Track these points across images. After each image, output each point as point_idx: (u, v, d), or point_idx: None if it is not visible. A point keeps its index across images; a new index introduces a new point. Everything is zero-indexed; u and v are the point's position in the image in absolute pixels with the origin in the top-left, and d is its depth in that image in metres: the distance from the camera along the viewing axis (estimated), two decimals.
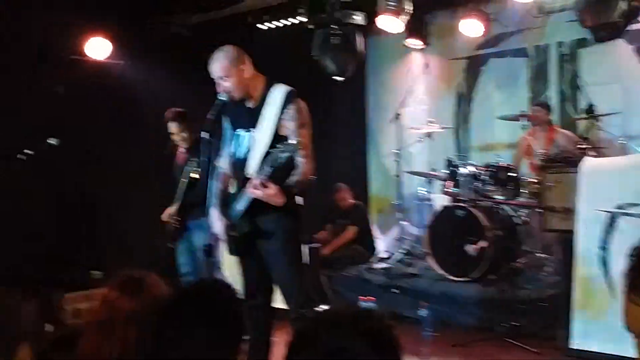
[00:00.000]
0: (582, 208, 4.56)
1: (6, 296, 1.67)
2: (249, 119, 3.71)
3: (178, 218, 5.17)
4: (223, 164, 3.89)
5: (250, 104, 3.73)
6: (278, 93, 3.66)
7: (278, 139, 3.48)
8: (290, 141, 3.34)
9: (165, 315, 1.66)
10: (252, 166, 3.64)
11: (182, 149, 5.26)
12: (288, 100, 3.63)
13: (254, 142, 3.66)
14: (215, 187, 3.73)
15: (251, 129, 3.70)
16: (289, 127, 3.59)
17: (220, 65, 3.62)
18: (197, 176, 5.02)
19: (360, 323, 1.32)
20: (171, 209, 5.18)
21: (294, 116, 3.61)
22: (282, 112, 3.61)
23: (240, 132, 3.77)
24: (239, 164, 3.77)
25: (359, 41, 6.54)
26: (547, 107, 6.44)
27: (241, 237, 3.73)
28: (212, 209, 3.72)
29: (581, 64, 6.69)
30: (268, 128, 3.62)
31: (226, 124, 3.87)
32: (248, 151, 3.70)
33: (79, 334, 1.94)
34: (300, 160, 3.59)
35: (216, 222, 3.69)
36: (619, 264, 4.32)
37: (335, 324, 1.32)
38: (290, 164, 3.57)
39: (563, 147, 5.86)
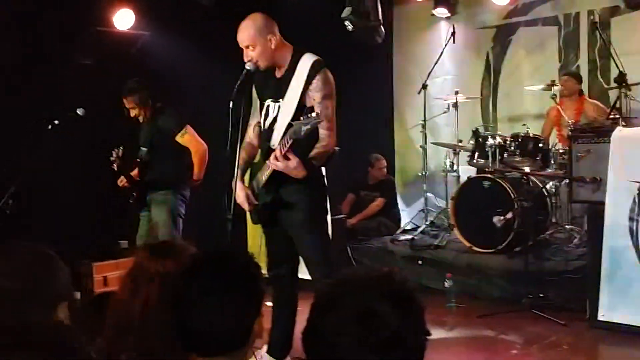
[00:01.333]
0: (612, 179, 4.49)
1: (47, 255, 1.74)
2: (277, 89, 3.69)
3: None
4: (250, 133, 3.89)
5: (278, 74, 3.71)
6: (305, 63, 3.62)
7: (303, 110, 3.45)
8: (312, 114, 3.30)
9: (185, 278, 1.67)
10: (276, 137, 3.63)
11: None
12: (315, 70, 3.59)
13: (280, 113, 3.65)
14: (239, 157, 3.73)
15: (279, 100, 3.68)
16: (315, 98, 3.55)
17: (247, 34, 3.59)
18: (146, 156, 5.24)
19: (383, 285, 1.32)
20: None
21: (320, 87, 3.56)
22: (308, 83, 3.58)
23: (269, 102, 3.75)
24: (265, 135, 3.77)
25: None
26: (576, 77, 6.32)
27: (263, 207, 3.74)
28: (235, 179, 3.73)
29: (612, 33, 6.53)
30: (294, 99, 3.59)
31: (254, 93, 3.86)
32: (274, 122, 3.69)
33: (106, 298, 2.00)
34: (323, 132, 3.57)
35: (239, 191, 3.69)
36: None
37: (359, 287, 1.32)
38: (313, 136, 3.54)
39: (592, 118, 5.76)
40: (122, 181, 5.31)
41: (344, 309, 1.28)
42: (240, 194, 3.68)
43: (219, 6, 6.60)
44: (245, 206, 3.72)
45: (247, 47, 3.60)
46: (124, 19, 6.32)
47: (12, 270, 1.70)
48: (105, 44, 6.24)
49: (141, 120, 5.30)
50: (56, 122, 5.04)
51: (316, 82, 3.57)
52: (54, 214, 5.85)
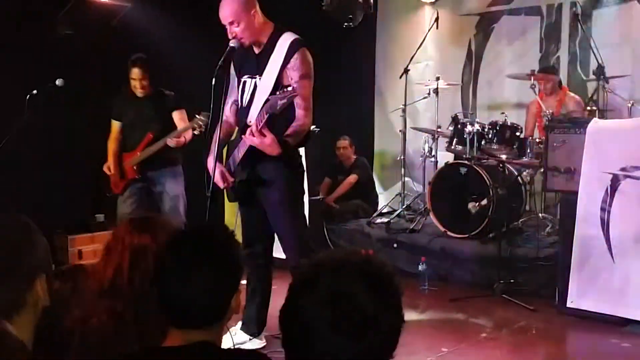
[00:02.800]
0: (585, 169, 4.56)
1: (26, 226, 1.70)
2: (255, 66, 3.68)
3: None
4: (227, 111, 3.88)
5: (256, 50, 3.69)
6: (285, 41, 3.61)
7: (281, 88, 3.45)
8: (289, 88, 3.30)
9: (165, 251, 1.68)
10: (253, 114, 3.62)
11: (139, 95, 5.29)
12: (294, 49, 3.58)
13: (257, 90, 3.64)
14: (216, 134, 3.72)
15: (256, 76, 3.68)
16: (292, 77, 3.54)
17: (230, 10, 3.56)
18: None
19: (361, 268, 1.32)
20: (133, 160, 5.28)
21: (297, 66, 3.56)
22: (286, 61, 3.57)
23: (246, 79, 3.74)
24: (242, 112, 3.77)
25: None
26: (552, 71, 6.36)
27: (239, 184, 3.74)
28: (210, 156, 3.73)
29: (593, 25, 6.59)
30: (272, 76, 3.58)
31: (232, 70, 3.85)
32: (252, 99, 3.68)
33: (82, 270, 2.00)
34: (299, 111, 3.57)
35: (216, 169, 3.69)
36: (619, 226, 4.37)
37: (337, 268, 1.32)
38: (290, 116, 3.54)
39: (572, 110, 5.82)
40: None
41: (320, 291, 1.28)
42: (217, 172, 3.68)
43: None
44: (221, 184, 3.72)
45: (231, 23, 3.57)
46: None
47: None
48: (86, 15, 6.16)
49: (140, 95, 5.27)
50: (34, 92, 4.99)
51: (294, 60, 3.56)
52: (30, 186, 5.81)
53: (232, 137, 3.89)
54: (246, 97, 3.73)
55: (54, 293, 1.66)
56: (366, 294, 1.28)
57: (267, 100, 3.44)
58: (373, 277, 1.32)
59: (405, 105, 6.87)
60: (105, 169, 5.34)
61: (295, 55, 3.56)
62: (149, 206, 5.28)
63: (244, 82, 3.75)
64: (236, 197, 3.87)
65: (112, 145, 5.38)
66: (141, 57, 5.22)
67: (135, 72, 5.18)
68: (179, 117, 5.25)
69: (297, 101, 3.48)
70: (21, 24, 5.78)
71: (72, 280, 2.00)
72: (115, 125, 5.41)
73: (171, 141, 5.05)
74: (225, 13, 3.57)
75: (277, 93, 3.34)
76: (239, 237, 3.59)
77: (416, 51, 6.92)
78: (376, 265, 1.34)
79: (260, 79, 3.65)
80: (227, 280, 1.69)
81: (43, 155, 5.91)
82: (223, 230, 1.80)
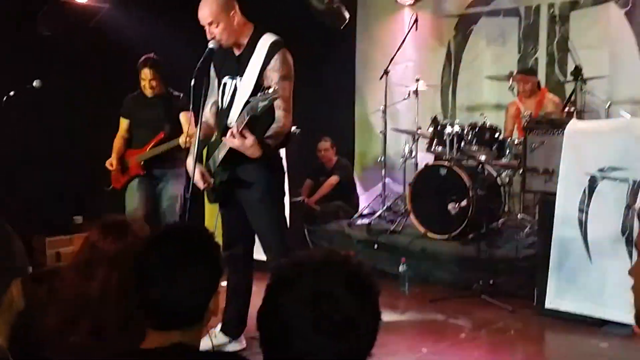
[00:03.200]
0: (564, 170, 4.59)
1: (2, 228, 1.66)
2: (236, 67, 3.67)
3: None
4: (207, 112, 3.86)
5: (236, 52, 3.68)
6: (265, 42, 3.61)
7: (262, 89, 3.44)
8: (269, 90, 3.30)
9: (144, 254, 1.67)
10: (233, 115, 3.61)
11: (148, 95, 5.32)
12: (274, 50, 3.57)
13: (237, 91, 3.63)
14: (195, 135, 3.71)
15: (236, 78, 3.67)
16: (273, 78, 3.54)
17: (209, 11, 3.54)
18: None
19: (339, 268, 1.32)
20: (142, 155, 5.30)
21: (278, 67, 3.55)
22: (266, 62, 3.56)
23: (226, 80, 3.73)
24: (222, 114, 3.75)
25: None
26: (531, 72, 6.41)
27: (219, 185, 3.73)
28: (189, 158, 3.71)
29: (571, 27, 6.65)
30: (252, 77, 3.58)
31: (212, 72, 3.83)
32: (232, 100, 3.67)
33: (57, 273, 1.97)
34: (279, 112, 3.56)
35: (195, 170, 3.67)
36: (596, 227, 4.41)
37: (315, 268, 1.32)
38: (270, 117, 3.54)
39: (551, 111, 5.87)
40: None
41: (299, 291, 1.28)
42: (196, 173, 3.66)
43: None
44: (200, 184, 3.71)
45: (210, 23, 3.56)
46: None
47: None
48: (65, 16, 6.11)
49: (149, 95, 5.30)
50: (11, 93, 4.93)
51: (274, 61, 3.56)
52: (7, 187, 5.73)
53: (212, 139, 3.87)
54: (226, 98, 3.72)
55: (29, 296, 1.64)
56: (347, 295, 1.28)
57: (247, 102, 3.43)
58: (353, 277, 1.32)
59: (385, 106, 6.89)
60: (107, 164, 5.36)
61: (276, 57, 3.56)
62: (152, 203, 5.32)
63: (224, 84, 3.74)
64: (216, 199, 3.85)
65: (118, 142, 5.42)
66: (150, 57, 5.25)
67: (145, 73, 5.23)
68: (184, 119, 5.27)
69: (277, 102, 3.47)
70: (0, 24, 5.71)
71: (47, 284, 1.97)
72: (124, 123, 5.45)
73: (183, 142, 5.06)
74: (205, 14, 3.56)
75: (258, 95, 3.33)
76: (219, 238, 3.57)
77: (396, 53, 6.94)
78: (355, 265, 1.35)
79: (240, 80, 3.63)
80: (207, 281, 1.68)
81: (21, 157, 5.84)
82: (203, 231, 1.79)
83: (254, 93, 3.48)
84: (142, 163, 5.28)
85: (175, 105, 5.30)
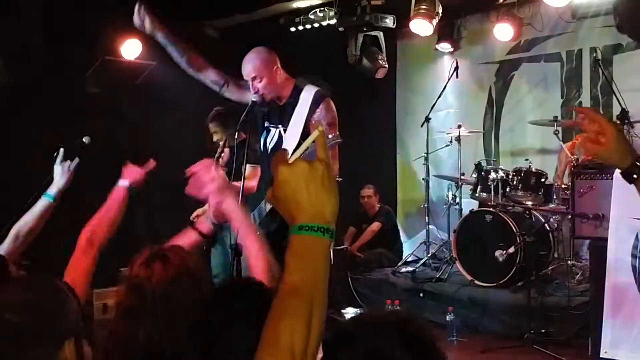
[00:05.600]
0: (614, 215, 4.49)
1: (58, 289, 1.66)
2: (279, 116, 3.76)
3: None
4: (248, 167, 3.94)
5: (280, 102, 3.77)
6: (309, 92, 3.69)
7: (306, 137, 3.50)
8: (331, 135, 3.35)
9: (208, 307, 1.67)
10: None
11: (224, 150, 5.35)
12: (319, 99, 3.66)
13: (284, 140, 3.70)
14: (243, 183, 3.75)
15: (279, 126, 3.74)
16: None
17: (253, 66, 3.66)
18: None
19: (402, 328, 1.28)
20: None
21: (324, 115, 3.64)
22: (312, 111, 3.64)
23: (270, 127, 3.81)
24: (265, 159, 3.81)
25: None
26: None
27: (270, 234, 3.73)
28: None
29: (615, 70, 6.59)
30: (298, 126, 3.66)
31: (255, 122, 3.91)
32: (275, 147, 3.73)
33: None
34: None
35: None
36: None
37: (376, 326, 1.29)
38: None
39: None
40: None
41: (356, 348, 1.25)
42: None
43: (224, 38, 6.68)
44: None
45: (254, 78, 3.66)
46: (131, 49, 6.38)
47: (22, 304, 1.58)
48: (113, 73, 6.31)
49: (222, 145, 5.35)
50: (61, 150, 5.07)
51: (320, 110, 3.65)
52: (57, 240, 5.84)
53: (255, 190, 3.91)
54: (269, 145, 3.80)
55: (80, 356, 1.63)
56: (405, 356, 1.23)
57: (295, 149, 3.47)
58: (414, 338, 1.27)
59: (427, 153, 6.89)
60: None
61: (321, 105, 3.65)
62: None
63: (267, 130, 3.82)
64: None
65: None
66: (216, 111, 5.29)
67: (211, 127, 5.30)
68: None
69: None
70: (50, 82, 5.92)
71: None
72: None
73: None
74: (248, 69, 3.67)
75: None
76: None
77: (437, 100, 6.96)
78: (418, 327, 1.29)
79: (284, 129, 3.71)
80: None
81: (70, 213, 5.95)
82: (259, 283, 1.78)
83: (300, 141, 3.53)
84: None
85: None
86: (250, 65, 3.68)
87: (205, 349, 1.64)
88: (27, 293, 1.62)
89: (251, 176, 5.25)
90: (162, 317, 1.87)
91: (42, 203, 2.88)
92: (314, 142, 1.35)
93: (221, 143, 5.23)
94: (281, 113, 3.76)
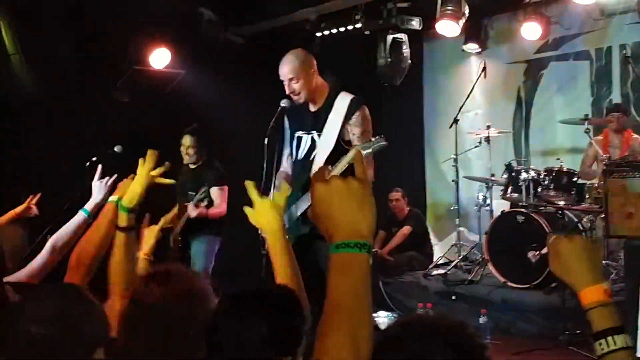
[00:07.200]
0: None
1: (86, 299, 1.65)
2: (312, 122, 3.79)
3: (179, 238, 5.33)
4: (284, 162, 3.96)
5: (312, 108, 3.79)
6: (344, 99, 3.73)
7: (342, 143, 3.55)
8: (375, 138, 3.38)
9: (221, 312, 1.64)
10: (316, 168, 3.67)
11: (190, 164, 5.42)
12: (354, 106, 3.70)
13: (318, 146, 3.72)
14: (272, 187, 3.79)
15: (312, 132, 3.76)
16: (354, 132, 3.67)
17: (291, 67, 3.72)
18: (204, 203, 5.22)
19: (451, 334, 1.27)
20: (175, 231, 5.28)
21: (359, 122, 3.69)
22: (347, 118, 3.68)
23: (301, 134, 3.83)
24: (298, 166, 3.84)
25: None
26: (626, 111, 6.24)
27: (299, 239, 3.75)
28: None
29: None
30: (333, 132, 3.69)
31: (286, 126, 3.94)
32: (308, 153, 3.75)
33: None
34: (358, 167, 3.60)
35: None
36: None
37: (425, 331, 1.28)
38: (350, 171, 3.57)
39: (637, 152, 5.67)
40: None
41: (403, 352, 1.25)
42: None
43: (252, 46, 6.74)
44: None
45: (291, 79, 3.71)
46: (160, 58, 6.48)
47: (50, 315, 1.57)
48: (142, 82, 6.39)
49: (186, 162, 5.42)
50: (94, 159, 5.15)
51: (356, 117, 3.69)
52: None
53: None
54: (302, 152, 3.82)
55: None
56: None
57: (335, 153, 3.51)
58: (462, 345, 1.26)
59: (456, 154, 6.85)
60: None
61: (357, 113, 3.70)
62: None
63: (299, 138, 3.84)
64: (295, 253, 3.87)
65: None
66: (194, 127, 5.40)
67: (185, 139, 5.38)
68: (216, 194, 5.33)
69: (359, 156, 3.52)
70: (80, 91, 6.01)
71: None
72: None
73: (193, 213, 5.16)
74: (286, 70, 3.73)
75: (356, 143, 3.43)
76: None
77: (465, 101, 6.93)
78: (468, 334, 1.29)
79: (318, 135, 3.73)
80: (287, 342, 1.62)
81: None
82: (283, 290, 1.77)
83: (335, 148, 3.57)
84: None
85: (208, 178, 5.32)
86: (287, 66, 3.73)
87: (215, 353, 1.60)
88: (54, 304, 1.60)
89: (217, 197, 5.29)
90: (160, 330, 1.81)
91: (79, 218, 2.92)
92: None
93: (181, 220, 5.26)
94: (314, 119, 3.79)
